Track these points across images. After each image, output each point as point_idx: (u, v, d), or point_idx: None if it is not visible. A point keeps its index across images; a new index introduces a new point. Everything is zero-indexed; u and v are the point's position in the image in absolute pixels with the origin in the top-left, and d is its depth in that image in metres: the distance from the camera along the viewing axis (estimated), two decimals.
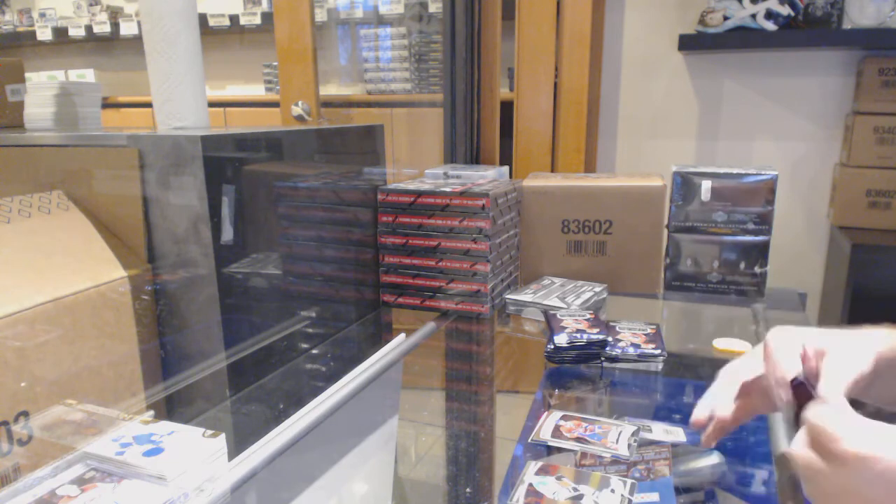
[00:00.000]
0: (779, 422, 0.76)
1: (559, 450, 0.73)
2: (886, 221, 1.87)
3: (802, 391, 0.51)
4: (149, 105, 1.03)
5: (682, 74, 2.22)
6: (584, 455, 0.71)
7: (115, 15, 3.30)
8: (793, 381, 0.52)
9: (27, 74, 1.40)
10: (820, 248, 2.18)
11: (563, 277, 1.28)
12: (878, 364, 0.54)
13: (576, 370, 0.99)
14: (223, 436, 0.56)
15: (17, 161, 0.90)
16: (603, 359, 0.98)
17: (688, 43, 2.03)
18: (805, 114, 2.13)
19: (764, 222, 1.21)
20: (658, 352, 0.96)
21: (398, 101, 2.65)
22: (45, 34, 3.41)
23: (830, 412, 0.46)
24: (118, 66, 3.51)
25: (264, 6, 3.06)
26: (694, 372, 1.06)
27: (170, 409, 0.86)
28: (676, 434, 0.76)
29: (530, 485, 0.62)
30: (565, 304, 1.12)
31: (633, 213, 1.24)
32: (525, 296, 1.17)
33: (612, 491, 0.61)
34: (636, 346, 0.97)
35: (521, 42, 2.00)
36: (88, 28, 3.32)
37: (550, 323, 1.02)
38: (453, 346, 1.18)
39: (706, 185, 1.22)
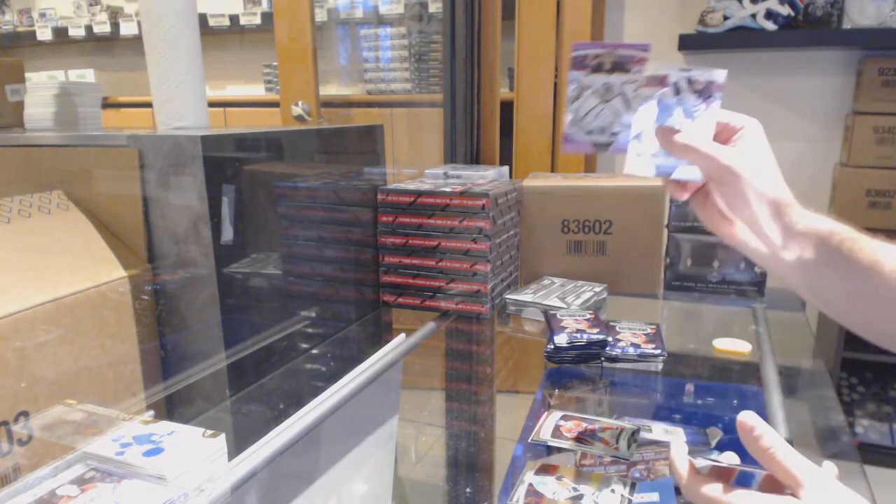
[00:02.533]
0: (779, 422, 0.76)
1: (559, 450, 0.73)
2: (886, 221, 1.87)
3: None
4: (149, 105, 1.03)
5: None
6: (584, 455, 0.71)
7: (115, 15, 3.30)
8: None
9: (27, 74, 1.40)
10: None
11: (563, 277, 1.28)
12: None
13: (576, 370, 0.99)
14: (223, 436, 0.56)
15: (17, 161, 0.90)
16: (603, 359, 0.98)
17: (688, 43, 2.03)
18: (805, 114, 2.13)
19: None
20: (658, 352, 0.96)
21: (398, 101, 2.65)
22: (45, 34, 3.41)
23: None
24: (118, 66, 3.51)
25: (264, 6, 3.06)
26: (694, 372, 1.06)
27: (170, 409, 0.86)
28: (676, 434, 0.76)
29: (530, 485, 0.62)
30: (565, 304, 1.12)
31: (633, 213, 1.24)
32: (525, 296, 1.17)
33: (612, 491, 0.61)
34: (636, 346, 0.97)
35: (521, 42, 2.00)
36: (88, 28, 3.32)
37: (550, 323, 1.02)
38: (453, 346, 1.18)
39: None
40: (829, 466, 0.48)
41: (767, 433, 0.48)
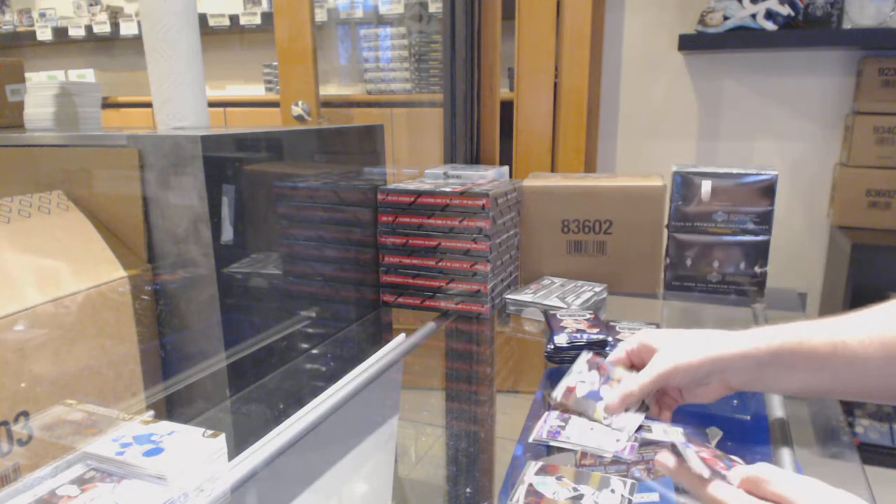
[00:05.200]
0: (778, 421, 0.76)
1: (559, 450, 0.73)
2: (886, 221, 1.87)
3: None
4: (149, 105, 1.03)
5: (682, 74, 2.22)
6: (584, 455, 0.71)
7: (115, 15, 3.30)
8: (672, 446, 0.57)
9: (27, 74, 1.40)
10: (820, 248, 2.19)
11: (563, 277, 1.28)
12: (720, 363, 0.64)
13: None
14: (223, 436, 0.56)
15: (17, 161, 0.90)
16: None
17: (688, 43, 2.03)
18: (805, 114, 2.13)
19: (764, 222, 1.21)
20: None
21: (398, 101, 2.65)
22: (45, 34, 3.41)
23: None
24: (118, 66, 3.51)
25: (264, 6, 3.06)
26: None
27: (170, 409, 0.86)
28: (676, 434, 0.76)
29: (530, 485, 0.62)
30: (565, 304, 1.12)
31: (633, 213, 1.24)
32: (525, 296, 1.17)
33: (612, 491, 0.61)
34: None
35: (521, 42, 2.00)
36: (88, 28, 3.32)
37: (550, 323, 1.02)
38: (453, 346, 1.18)
39: (706, 185, 1.22)
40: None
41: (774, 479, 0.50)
